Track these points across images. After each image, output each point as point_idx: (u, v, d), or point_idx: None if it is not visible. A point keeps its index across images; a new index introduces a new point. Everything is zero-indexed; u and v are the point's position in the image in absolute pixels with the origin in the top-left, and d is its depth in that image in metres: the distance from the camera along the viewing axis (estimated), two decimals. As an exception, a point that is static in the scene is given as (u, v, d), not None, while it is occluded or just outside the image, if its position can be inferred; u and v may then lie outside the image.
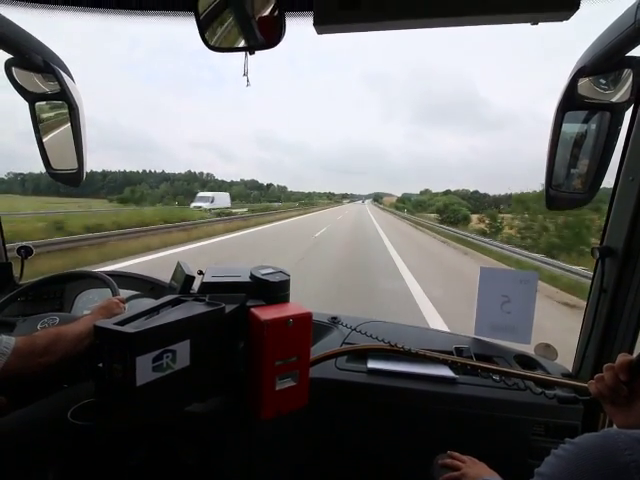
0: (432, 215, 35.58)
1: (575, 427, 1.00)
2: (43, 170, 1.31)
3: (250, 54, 0.82)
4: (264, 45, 0.82)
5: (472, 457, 0.86)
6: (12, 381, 0.80)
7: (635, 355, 0.63)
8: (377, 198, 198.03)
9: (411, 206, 59.13)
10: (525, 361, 1.18)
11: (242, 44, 0.84)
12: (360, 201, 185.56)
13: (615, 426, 0.65)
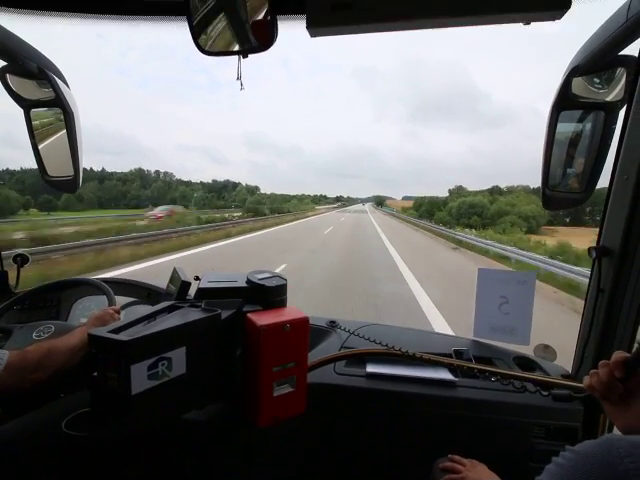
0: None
1: (575, 429, 0.99)
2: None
3: (243, 57, 0.82)
4: (257, 48, 0.82)
5: (473, 460, 0.85)
6: (1, 396, 0.79)
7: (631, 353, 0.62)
8: (380, 201, 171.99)
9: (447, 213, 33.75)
10: (524, 362, 1.18)
11: (236, 48, 0.84)
12: (360, 204, 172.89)
13: (615, 429, 0.64)
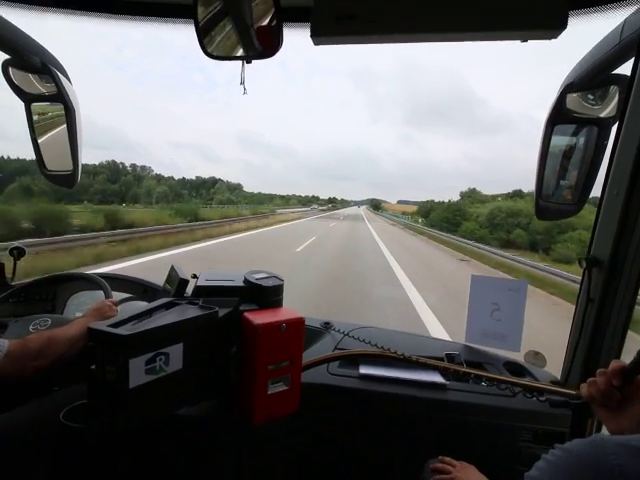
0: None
1: (563, 434, 1.01)
2: None
3: (247, 63, 0.84)
4: (262, 54, 0.83)
5: (463, 462, 0.87)
6: (2, 384, 0.80)
7: (628, 362, 0.64)
8: (376, 204, 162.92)
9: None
10: (514, 368, 1.20)
11: (240, 53, 0.85)
12: (355, 206, 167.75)
13: (605, 431, 0.66)
